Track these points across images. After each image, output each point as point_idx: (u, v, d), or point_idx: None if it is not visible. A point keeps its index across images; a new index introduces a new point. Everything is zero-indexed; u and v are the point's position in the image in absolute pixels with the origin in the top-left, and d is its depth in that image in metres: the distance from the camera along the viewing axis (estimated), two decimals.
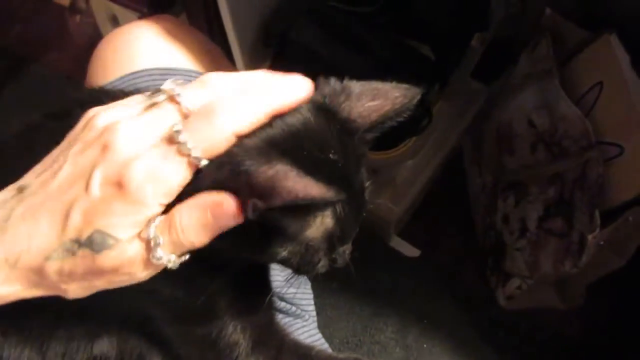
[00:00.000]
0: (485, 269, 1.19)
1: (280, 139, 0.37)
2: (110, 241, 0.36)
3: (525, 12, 1.22)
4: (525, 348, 1.12)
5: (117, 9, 1.26)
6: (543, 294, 1.09)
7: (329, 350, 0.65)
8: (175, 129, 0.35)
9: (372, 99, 0.41)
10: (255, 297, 0.49)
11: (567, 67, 1.02)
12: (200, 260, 0.39)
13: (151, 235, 0.36)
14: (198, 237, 0.36)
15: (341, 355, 0.55)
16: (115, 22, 1.31)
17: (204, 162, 0.35)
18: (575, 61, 1.01)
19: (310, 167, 0.35)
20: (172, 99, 0.37)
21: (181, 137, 0.35)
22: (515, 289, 1.10)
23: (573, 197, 0.96)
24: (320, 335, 0.71)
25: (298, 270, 0.43)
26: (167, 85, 0.38)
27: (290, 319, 0.68)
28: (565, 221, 0.98)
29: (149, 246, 0.36)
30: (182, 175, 0.35)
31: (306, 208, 0.37)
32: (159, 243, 0.36)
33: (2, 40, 1.62)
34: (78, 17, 1.49)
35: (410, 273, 1.11)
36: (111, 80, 0.64)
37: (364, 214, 0.43)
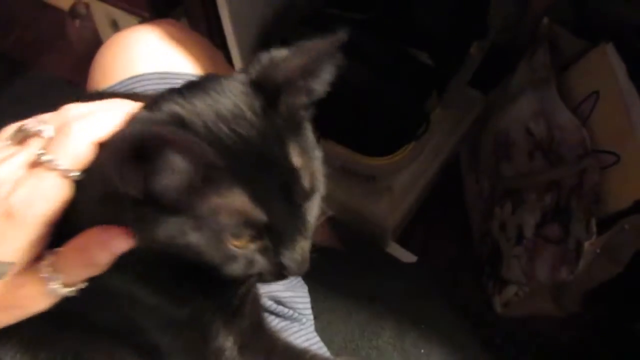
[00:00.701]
0: (482, 276, 1.19)
1: (177, 114, 0.36)
2: (5, 268, 0.37)
3: (523, 20, 1.23)
4: (521, 355, 1.12)
5: (118, 14, 1.26)
6: (539, 301, 1.09)
7: (327, 354, 0.64)
8: (38, 152, 0.37)
9: (297, 58, 0.39)
10: (242, 301, 0.48)
11: (564, 76, 1.02)
12: (182, 268, 0.39)
13: (45, 275, 0.38)
14: (85, 274, 0.39)
15: (338, 359, 0.55)
16: (116, 27, 1.31)
17: (74, 173, 0.37)
18: (572, 70, 1.02)
19: (202, 136, 0.34)
20: (36, 134, 0.39)
21: (45, 157, 0.37)
22: (512, 296, 1.10)
23: (569, 204, 0.97)
24: (318, 338, 0.70)
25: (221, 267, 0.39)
26: (31, 124, 0.40)
27: (288, 322, 0.68)
28: (561, 228, 0.98)
29: (44, 282, 0.38)
30: (56, 190, 0.37)
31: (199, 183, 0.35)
32: (54, 279, 0.38)
33: (1, 45, 1.62)
34: (78, 22, 1.49)
35: (407, 279, 1.11)
36: (111, 84, 0.64)
37: (319, 212, 0.41)
